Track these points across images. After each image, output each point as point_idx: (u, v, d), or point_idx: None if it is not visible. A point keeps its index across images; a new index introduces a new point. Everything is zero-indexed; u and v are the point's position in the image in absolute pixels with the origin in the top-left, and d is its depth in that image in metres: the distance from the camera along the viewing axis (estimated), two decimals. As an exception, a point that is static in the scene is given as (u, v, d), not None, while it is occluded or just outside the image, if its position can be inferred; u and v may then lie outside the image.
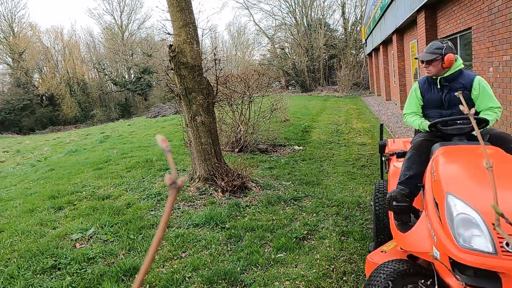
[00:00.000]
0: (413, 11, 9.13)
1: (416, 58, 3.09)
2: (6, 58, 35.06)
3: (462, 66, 2.91)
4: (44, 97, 34.09)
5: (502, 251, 1.75)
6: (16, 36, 35.07)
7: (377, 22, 16.87)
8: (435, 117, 2.91)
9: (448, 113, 2.89)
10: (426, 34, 8.75)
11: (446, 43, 2.88)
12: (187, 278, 2.98)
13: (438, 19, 8.47)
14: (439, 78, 2.91)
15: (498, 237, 1.77)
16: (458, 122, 2.75)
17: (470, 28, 6.59)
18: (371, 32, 20.47)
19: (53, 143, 15.91)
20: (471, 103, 2.86)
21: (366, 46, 25.23)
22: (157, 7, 29.54)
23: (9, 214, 4.63)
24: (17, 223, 4.23)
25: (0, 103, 31.68)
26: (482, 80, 2.86)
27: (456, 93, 1.01)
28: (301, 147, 8.00)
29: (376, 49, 20.47)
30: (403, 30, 12.74)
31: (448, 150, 2.52)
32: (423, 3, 8.18)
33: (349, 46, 31.28)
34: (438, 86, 2.94)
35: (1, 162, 11.45)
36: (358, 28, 30.53)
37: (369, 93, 24.94)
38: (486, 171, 2.18)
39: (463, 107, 0.79)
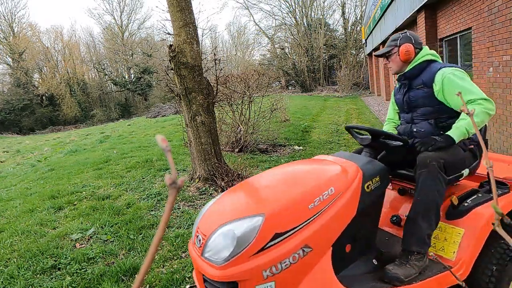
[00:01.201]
0: (413, 11, 9.13)
1: (375, 55, 2.82)
2: (6, 58, 35.09)
3: (429, 57, 2.39)
4: (44, 97, 34.08)
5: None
6: (16, 36, 35.06)
7: (377, 22, 16.87)
8: (402, 122, 2.56)
9: (408, 117, 2.46)
10: (426, 34, 8.75)
11: (404, 33, 2.49)
12: (187, 278, 2.98)
13: (438, 19, 8.46)
14: (398, 76, 2.51)
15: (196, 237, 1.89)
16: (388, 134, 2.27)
17: (470, 28, 6.59)
18: (371, 32, 20.46)
19: (53, 143, 15.90)
20: (435, 102, 2.30)
21: (366, 46, 25.22)
22: (157, 7, 29.55)
23: (9, 214, 4.63)
24: (17, 223, 4.23)
25: (0, 103, 31.67)
26: (450, 72, 2.23)
27: (456, 93, 0.98)
28: (301, 147, 8.00)
29: (376, 49, 20.46)
30: (403, 30, 12.74)
31: (313, 158, 2.42)
32: (423, 3, 8.18)
33: (349, 46, 31.28)
34: (397, 85, 2.57)
35: (1, 162, 11.45)
36: (358, 28, 30.54)
37: (369, 93, 24.94)
38: (265, 182, 2.16)
39: (463, 107, 0.77)
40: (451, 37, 7.96)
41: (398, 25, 11.59)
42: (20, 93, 32.37)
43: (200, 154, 4.93)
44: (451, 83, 2.19)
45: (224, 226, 1.72)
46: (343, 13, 32.19)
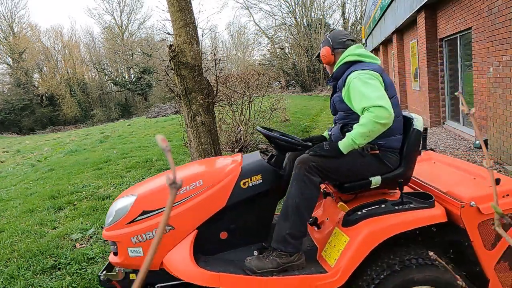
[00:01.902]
0: (413, 11, 9.13)
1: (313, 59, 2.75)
2: (6, 58, 35.08)
3: (351, 58, 2.21)
4: (44, 97, 34.08)
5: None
6: (16, 36, 35.06)
7: (377, 22, 16.87)
8: None
9: (333, 120, 2.40)
10: (426, 34, 8.75)
11: (326, 35, 2.38)
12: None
13: (438, 19, 8.46)
14: (328, 78, 2.45)
15: None
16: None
17: (470, 28, 6.59)
18: (371, 32, 20.48)
19: (53, 143, 15.89)
20: (346, 107, 2.19)
21: (366, 46, 25.22)
22: (157, 7, 29.51)
23: (9, 214, 4.63)
24: (17, 223, 4.23)
25: (0, 103, 31.67)
26: (356, 75, 2.08)
27: (456, 93, 0.97)
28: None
29: (376, 49, 20.47)
30: (403, 30, 12.74)
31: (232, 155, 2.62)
32: (423, 3, 8.17)
33: (349, 46, 31.24)
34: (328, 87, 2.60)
35: (1, 162, 11.45)
36: (358, 28, 30.53)
37: (369, 93, 24.92)
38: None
39: (463, 107, 0.77)
40: (451, 37, 7.96)
41: (398, 25, 11.59)
42: (20, 93, 32.36)
43: (200, 154, 4.92)
44: (353, 87, 2.07)
45: (114, 201, 2.26)
46: (343, 13, 32.23)
